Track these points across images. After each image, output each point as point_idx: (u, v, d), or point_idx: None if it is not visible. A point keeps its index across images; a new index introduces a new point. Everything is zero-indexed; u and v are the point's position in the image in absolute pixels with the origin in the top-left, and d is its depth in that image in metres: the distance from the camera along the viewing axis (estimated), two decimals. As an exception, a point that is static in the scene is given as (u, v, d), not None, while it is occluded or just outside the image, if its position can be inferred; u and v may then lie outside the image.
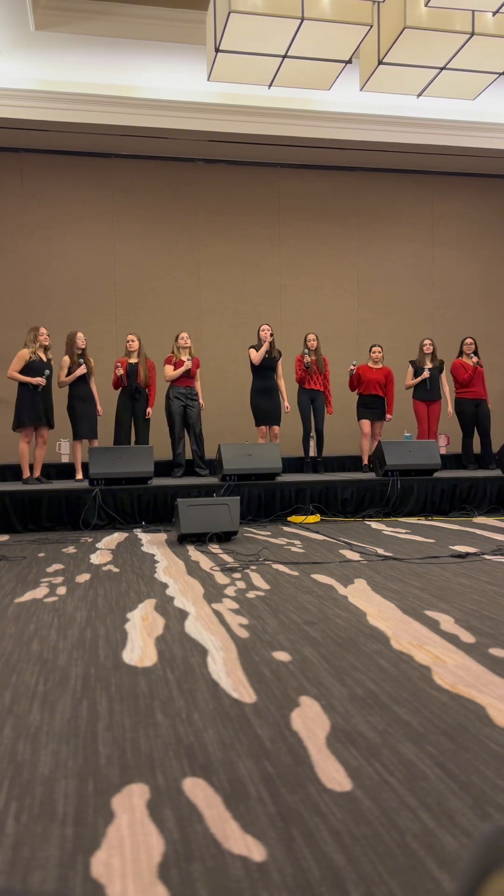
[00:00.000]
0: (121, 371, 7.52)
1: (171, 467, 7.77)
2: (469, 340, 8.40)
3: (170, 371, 7.64)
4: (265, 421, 7.93)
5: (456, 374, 8.37)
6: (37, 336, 7.02)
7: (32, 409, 6.94)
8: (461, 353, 8.42)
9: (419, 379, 8.23)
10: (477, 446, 8.52)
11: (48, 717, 2.08)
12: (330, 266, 10.09)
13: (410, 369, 8.36)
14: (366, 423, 8.25)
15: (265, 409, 7.89)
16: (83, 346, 7.40)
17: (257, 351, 7.80)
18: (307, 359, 7.93)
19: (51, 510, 6.36)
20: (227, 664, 2.53)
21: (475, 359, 8.28)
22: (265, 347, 7.75)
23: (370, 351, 8.33)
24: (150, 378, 7.74)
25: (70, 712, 2.11)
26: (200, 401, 7.80)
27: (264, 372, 7.87)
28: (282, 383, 8.00)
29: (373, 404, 8.22)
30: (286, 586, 3.88)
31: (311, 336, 8.07)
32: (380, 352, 8.27)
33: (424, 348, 8.28)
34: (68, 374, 7.36)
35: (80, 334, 7.44)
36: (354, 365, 8.22)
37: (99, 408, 7.60)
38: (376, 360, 8.24)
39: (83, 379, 7.41)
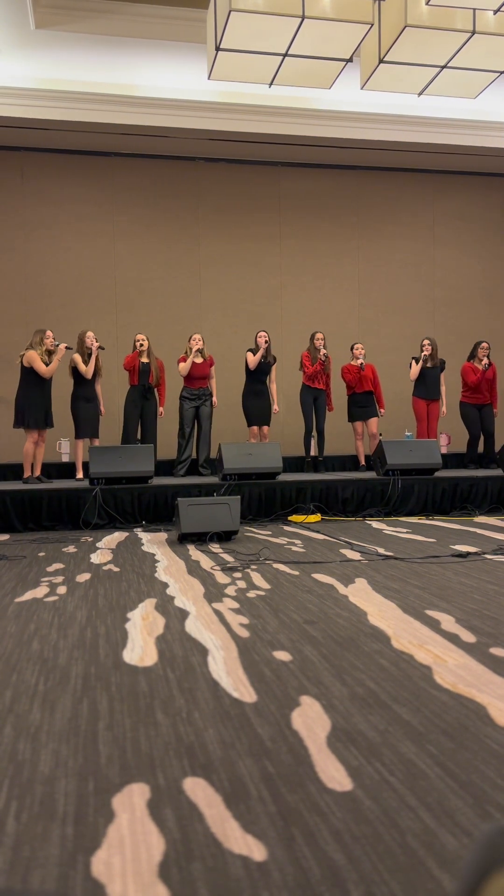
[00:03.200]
0: (142, 339, 7.57)
1: (173, 465, 7.79)
2: (485, 345, 8.35)
3: (182, 366, 7.72)
4: (256, 421, 8.02)
5: (465, 376, 8.31)
6: (42, 339, 7.03)
7: (39, 411, 6.94)
8: (473, 355, 8.36)
9: (419, 366, 8.19)
10: (480, 446, 8.51)
11: (48, 717, 2.08)
12: (330, 265, 10.09)
13: (414, 363, 8.32)
14: (359, 425, 8.28)
15: (255, 410, 8.01)
16: (90, 345, 7.38)
17: (254, 355, 7.85)
18: (323, 351, 7.97)
19: (51, 509, 6.36)
20: (228, 663, 2.53)
21: (485, 361, 8.22)
22: (261, 352, 7.83)
23: (352, 349, 8.29)
24: (160, 378, 7.79)
25: (70, 711, 2.11)
26: (214, 399, 7.84)
27: (257, 376, 7.98)
28: (273, 387, 8.11)
29: (366, 402, 8.24)
30: (287, 586, 3.88)
31: (320, 335, 8.08)
32: (362, 349, 8.27)
33: (424, 350, 8.25)
34: (76, 370, 7.36)
35: (90, 333, 7.44)
36: (364, 362, 8.18)
37: (102, 408, 7.60)
38: (357, 357, 8.21)
39: (90, 378, 7.41)
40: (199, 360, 7.73)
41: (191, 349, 7.73)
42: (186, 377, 7.72)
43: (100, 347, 7.42)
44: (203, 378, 7.79)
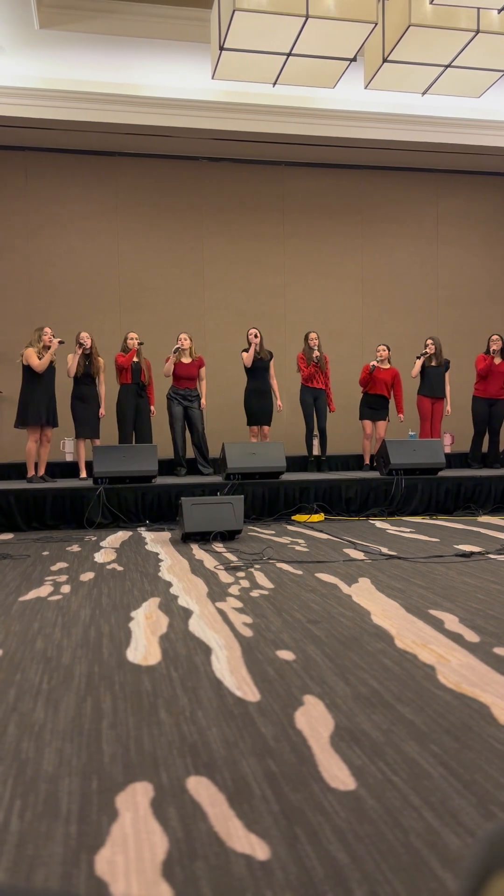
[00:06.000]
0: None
1: (174, 466, 7.79)
2: (496, 337, 8.35)
3: (166, 366, 7.69)
4: (256, 421, 7.99)
5: (476, 364, 8.33)
6: (41, 336, 7.05)
7: (36, 408, 6.96)
8: (488, 349, 8.37)
9: (419, 362, 8.19)
10: (484, 445, 8.49)
11: (52, 715, 2.08)
12: (334, 264, 10.08)
13: (417, 361, 8.31)
14: (367, 424, 8.26)
15: (256, 409, 7.98)
16: (83, 343, 7.38)
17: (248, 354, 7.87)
18: (315, 353, 7.96)
19: (55, 509, 6.37)
20: (231, 663, 2.53)
21: (494, 348, 8.22)
22: (253, 349, 7.80)
23: (376, 351, 8.29)
24: (150, 376, 7.79)
25: (74, 710, 2.12)
26: (203, 400, 7.81)
27: (256, 373, 7.94)
28: (274, 383, 8.06)
29: (376, 404, 8.21)
30: (290, 585, 3.88)
31: (314, 335, 8.08)
32: (385, 351, 8.22)
33: (427, 348, 8.25)
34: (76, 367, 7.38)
35: (84, 333, 7.46)
36: (377, 363, 8.15)
37: (102, 409, 7.59)
38: (382, 360, 8.20)
39: (86, 378, 7.42)
40: (186, 360, 7.68)
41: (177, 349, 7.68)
42: (176, 377, 7.68)
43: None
44: (190, 379, 7.71)
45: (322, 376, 8.08)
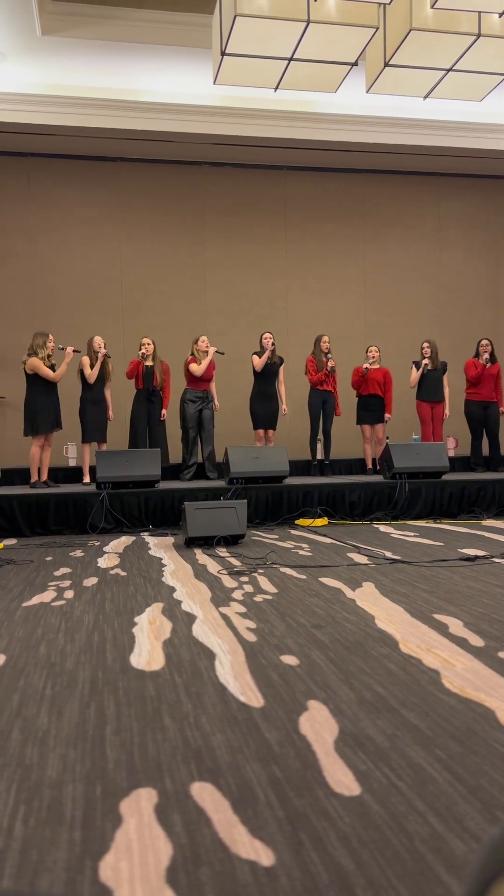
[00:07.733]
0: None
1: (180, 469, 7.81)
2: (485, 342, 8.38)
3: (196, 367, 7.71)
4: (262, 425, 8.02)
5: (466, 371, 8.35)
6: (45, 342, 7.05)
7: (47, 416, 6.96)
8: (476, 354, 8.39)
9: (418, 373, 8.22)
10: (485, 448, 8.49)
11: (56, 721, 2.08)
12: (336, 268, 10.09)
13: (414, 368, 8.34)
14: (366, 428, 8.27)
15: (263, 413, 8.02)
16: (98, 349, 7.43)
17: (260, 358, 7.87)
18: (331, 363, 7.96)
19: (58, 514, 6.37)
20: (235, 668, 2.53)
21: (486, 356, 8.25)
22: (266, 355, 7.84)
23: (367, 351, 8.32)
24: (164, 381, 7.81)
25: (78, 716, 2.12)
26: (215, 402, 7.88)
27: (265, 378, 7.98)
28: (282, 388, 8.10)
29: (372, 406, 8.22)
30: (294, 590, 3.87)
31: (326, 338, 8.09)
32: (376, 351, 8.27)
33: (423, 351, 8.26)
34: (83, 373, 7.41)
35: (97, 338, 7.49)
36: (369, 366, 8.19)
37: (110, 412, 7.62)
38: (374, 361, 8.23)
39: (98, 382, 7.44)
40: (205, 361, 7.79)
41: (199, 350, 7.78)
42: (195, 379, 7.75)
43: (106, 355, 7.44)
44: (208, 380, 7.85)
45: (332, 380, 8.09)
